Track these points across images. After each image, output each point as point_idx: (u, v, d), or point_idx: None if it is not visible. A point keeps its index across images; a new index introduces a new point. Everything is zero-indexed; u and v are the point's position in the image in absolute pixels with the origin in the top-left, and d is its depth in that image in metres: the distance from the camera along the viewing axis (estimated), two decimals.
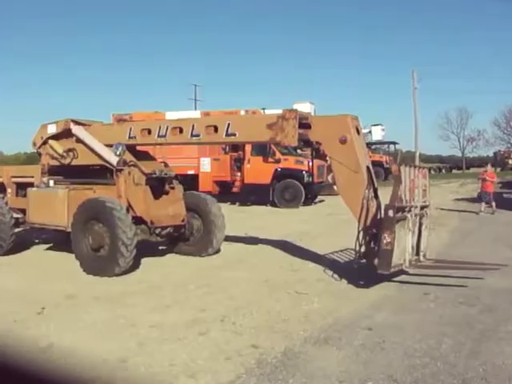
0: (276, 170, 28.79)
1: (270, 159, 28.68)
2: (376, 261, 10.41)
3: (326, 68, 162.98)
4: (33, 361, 6.76)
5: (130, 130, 13.39)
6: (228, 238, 14.78)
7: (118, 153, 12.78)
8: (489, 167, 27.60)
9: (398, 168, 10.74)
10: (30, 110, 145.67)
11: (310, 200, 29.62)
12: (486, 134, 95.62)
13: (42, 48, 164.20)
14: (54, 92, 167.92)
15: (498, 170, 64.74)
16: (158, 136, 13.01)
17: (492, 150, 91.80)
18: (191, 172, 27.68)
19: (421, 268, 11.40)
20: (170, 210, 13.51)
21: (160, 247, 14.51)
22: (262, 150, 28.38)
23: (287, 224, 21.09)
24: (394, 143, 59.68)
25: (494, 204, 24.78)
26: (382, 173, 50.39)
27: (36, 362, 6.70)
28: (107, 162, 13.13)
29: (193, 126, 12.64)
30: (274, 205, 28.52)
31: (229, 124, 12.21)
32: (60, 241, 15.00)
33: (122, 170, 12.86)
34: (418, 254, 11.54)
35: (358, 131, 11.38)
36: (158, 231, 13.23)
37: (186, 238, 14.13)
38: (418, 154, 71.26)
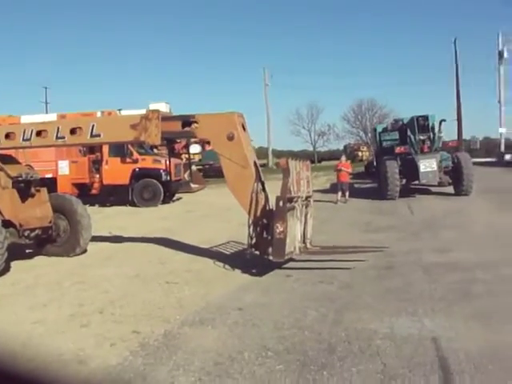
0: (134, 169, 28.98)
1: (128, 159, 28.81)
2: (270, 250, 11.02)
3: (179, 66, 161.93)
4: None
5: None
6: (93, 239, 14.99)
7: None
8: (343, 158, 29.30)
9: (286, 161, 11.36)
10: None
11: (168, 198, 29.98)
12: (336, 129, 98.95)
13: None
14: None
15: (349, 162, 67.46)
16: (23, 140, 13.15)
17: (342, 143, 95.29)
18: (49, 175, 27.34)
19: (309, 254, 12.13)
20: (38, 212, 13.67)
21: (27, 250, 14.54)
22: (120, 150, 28.48)
23: (148, 222, 21.54)
24: None
25: (347, 193, 26.40)
26: None
27: None
28: None
29: (58, 128, 12.90)
30: (133, 204, 28.69)
31: (93, 125, 12.61)
32: None
33: None
34: (304, 241, 12.30)
35: (243, 128, 11.99)
36: (26, 233, 13.35)
37: (53, 240, 14.30)
38: (270, 150, 73.17)
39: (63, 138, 12.92)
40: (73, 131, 12.86)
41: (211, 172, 48.98)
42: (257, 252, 11.61)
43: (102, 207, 28.30)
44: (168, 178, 29.13)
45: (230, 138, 11.58)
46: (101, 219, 19.36)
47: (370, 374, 6.04)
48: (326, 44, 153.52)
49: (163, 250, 14.68)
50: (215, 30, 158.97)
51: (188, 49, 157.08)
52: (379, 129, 32.14)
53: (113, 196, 29.60)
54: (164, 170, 29.09)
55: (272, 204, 11.38)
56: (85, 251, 14.59)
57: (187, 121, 12.27)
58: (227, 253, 13.82)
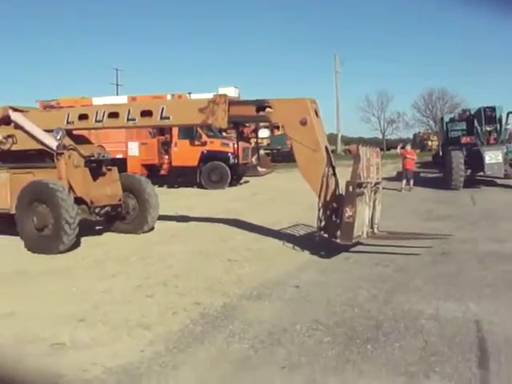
0: (202, 152, 29.45)
1: (197, 142, 29.36)
2: (338, 233, 11.33)
3: (249, 52, 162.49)
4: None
5: (68, 115, 14.10)
6: (160, 217, 15.55)
7: (58, 137, 13.47)
8: (408, 146, 29.31)
9: (357, 148, 11.67)
10: None
11: (235, 181, 30.36)
12: (405, 117, 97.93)
13: None
14: None
15: (418, 151, 66.88)
16: (96, 121, 13.79)
17: (411, 131, 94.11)
18: (119, 156, 27.97)
19: (375, 239, 12.38)
20: (108, 190, 14.33)
21: (97, 227, 15.21)
22: (189, 133, 29.02)
23: (215, 203, 22.03)
24: None
25: (411, 181, 26.45)
26: None
27: (1, 326, 7.53)
28: (47, 146, 13.77)
29: (129, 110, 13.52)
30: (201, 186, 29.22)
31: (163, 108, 13.13)
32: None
33: (62, 153, 13.53)
34: (371, 226, 12.50)
35: (316, 114, 12.26)
36: (97, 210, 13.99)
37: (122, 217, 14.95)
38: (339, 137, 72.96)
39: (134, 119, 13.50)
40: (143, 113, 13.41)
41: (279, 157, 49.19)
42: (325, 235, 11.90)
43: (170, 188, 29.00)
44: (236, 161, 29.38)
45: (303, 122, 11.82)
46: (168, 200, 19.87)
47: (412, 349, 6.36)
48: (397, 32, 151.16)
49: (227, 230, 15.17)
50: (288, 17, 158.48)
51: (259, 35, 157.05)
52: (446, 118, 31.83)
53: (181, 177, 30.16)
54: (232, 153, 29.42)
55: (342, 189, 11.64)
56: (152, 229, 15.16)
57: (261, 105, 12.59)
58: (296, 234, 14.12)
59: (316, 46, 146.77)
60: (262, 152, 39.36)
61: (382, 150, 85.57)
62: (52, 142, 13.64)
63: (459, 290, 8.81)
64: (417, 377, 5.60)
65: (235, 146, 29.31)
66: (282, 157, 49.00)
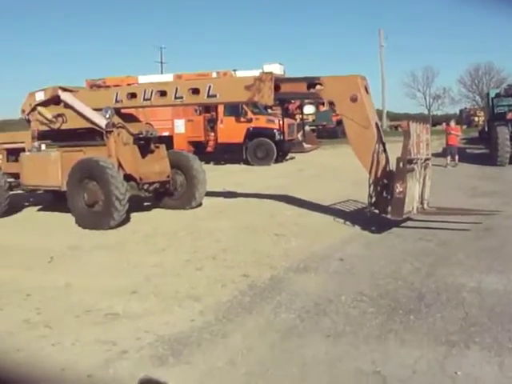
0: (248, 129, 29.67)
1: (242, 119, 29.57)
2: (389, 209, 11.46)
3: (294, 28, 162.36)
4: (55, 297, 7.92)
5: (117, 94, 14.43)
6: (207, 194, 15.83)
7: (107, 116, 13.79)
8: (452, 122, 29.04)
9: (407, 124, 11.77)
10: None
11: (281, 157, 30.53)
12: (451, 92, 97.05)
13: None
14: (24, 61, 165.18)
15: (464, 127, 66.22)
16: (144, 99, 14.05)
17: (457, 107, 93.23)
18: (166, 133, 28.25)
19: (425, 214, 12.43)
20: (156, 167, 14.64)
21: (146, 203, 15.58)
22: (235, 110, 29.26)
23: (261, 180, 22.24)
24: None
25: (456, 157, 26.31)
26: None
27: (58, 299, 7.85)
28: (97, 124, 14.09)
29: (176, 88, 13.74)
30: (247, 163, 29.51)
31: (210, 86, 13.34)
32: (49, 202, 16.29)
33: (111, 131, 13.86)
34: (421, 202, 12.55)
35: (366, 90, 12.35)
36: (146, 187, 14.34)
37: (170, 193, 15.27)
38: (385, 112, 72.44)
39: (181, 97, 13.74)
40: (191, 92, 13.64)
41: (324, 133, 49.21)
42: (376, 210, 12.01)
43: (217, 165, 29.25)
44: (281, 137, 29.67)
45: (354, 99, 11.88)
46: (215, 176, 20.08)
47: (453, 319, 6.52)
48: (442, 6, 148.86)
49: (274, 205, 15.37)
50: None
51: (302, 12, 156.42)
52: (492, 94, 31.43)
53: (227, 154, 30.40)
54: (277, 130, 29.62)
55: (392, 165, 11.75)
56: (200, 205, 15.45)
57: (312, 82, 12.68)
58: (346, 210, 14.24)
59: (361, 21, 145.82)
60: (307, 128, 39.30)
61: None
62: (101, 121, 13.95)
63: (501, 264, 8.90)
64: (457, 346, 5.75)
65: (280, 122, 29.52)
66: (327, 133, 49.02)
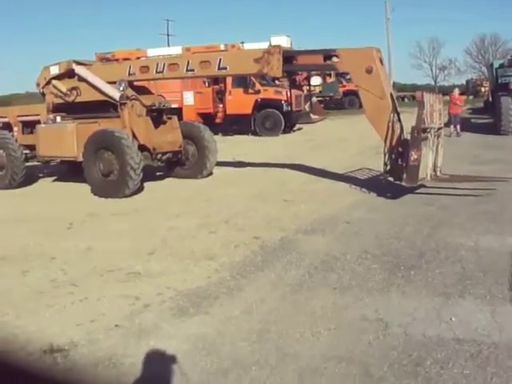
0: (256, 100, 30.06)
1: (251, 90, 29.93)
2: (404, 176, 11.87)
3: (300, 1, 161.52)
4: (79, 259, 8.44)
5: (130, 67, 14.86)
6: (218, 164, 16.36)
7: (121, 88, 14.27)
8: (456, 91, 29.21)
9: (421, 94, 12.07)
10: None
11: (289, 128, 30.89)
12: (457, 63, 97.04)
13: None
14: (32, 35, 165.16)
15: (471, 97, 66.26)
16: (156, 72, 14.50)
17: (464, 78, 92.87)
18: (175, 105, 28.52)
19: (438, 181, 12.86)
20: (169, 137, 15.14)
21: (158, 173, 16.12)
22: (243, 81, 29.52)
23: (270, 150, 22.71)
24: None
25: (458, 127, 26.62)
26: (357, 101, 51.79)
27: (81, 262, 8.37)
28: (110, 97, 14.57)
29: (188, 61, 14.19)
30: (255, 134, 29.95)
31: (220, 59, 13.78)
32: (62, 173, 16.83)
33: (125, 103, 14.35)
34: (434, 169, 12.97)
35: (381, 62, 12.77)
36: (159, 157, 14.88)
37: (182, 163, 15.78)
38: (392, 83, 72.35)
39: (193, 70, 14.20)
40: (202, 64, 14.08)
41: (331, 104, 49.52)
42: (391, 178, 12.44)
43: (226, 136, 29.52)
44: (289, 108, 30.06)
45: (369, 71, 12.27)
46: (224, 147, 20.37)
47: (450, 274, 7.07)
48: None
49: (283, 174, 15.91)
50: None
51: None
52: (496, 64, 31.53)
53: (235, 125, 30.76)
54: (285, 101, 29.98)
55: (406, 134, 12.12)
56: (211, 174, 15.98)
57: (328, 55, 13.11)
58: (359, 178, 14.68)
59: None
60: (314, 99, 39.59)
61: None
62: (115, 93, 14.42)
63: (499, 226, 9.42)
64: (453, 297, 6.29)
65: (288, 93, 29.84)
66: (334, 104, 49.31)
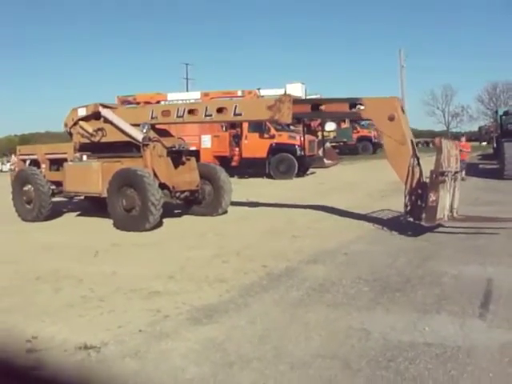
0: (271, 144, 31.16)
1: (266, 135, 31.06)
2: (423, 216, 12.68)
3: (316, 49, 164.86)
4: (105, 281, 9.50)
5: (152, 111, 16.11)
6: (232, 203, 17.42)
7: (144, 130, 15.48)
8: (463, 139, 30.26)
9: (439, 140, 12.93)
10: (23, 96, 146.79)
11: (302, 172, 31.80)
12: (469, 110, 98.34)
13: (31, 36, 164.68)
14: (52, 79, 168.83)
15: (484, 143, 67.29)
16: (177, 116, 15.71)
17: (476, 124, 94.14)
18: (193, 148, 29.39)
19: (455, 221, 13.73)
20: (187, 177, 16.31)
21: (176, 211, 17.17)
22: (258, 126, 30.63)
23: (282, 191, 23.71)
24: None
25: (463, 172, 27.60)
26: (370, 147, 52.98)
27: (107, 283, 9.42)
28: (134, 138, 15.79)
29: (206, 107, 15.42)
30: (269, 177, 30.91)
31: (236, 106, 15.03)
32: (85, 208, 18.08)
33: (147, 144, 15.56)
34: (451, 210, 13.82)
35: (402, 110, 13.78)
36: (177, 195, 16.04)
37: (199, 201, 16.88)
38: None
39: (211, 115, 15.37)
40: (219, 110, 15.26)
41: (345, 149, 50.61)
42: (411, 218, 13.29)
43: (241, 178, 30.54)
44: (302, 153, 31.17)
45: (391, 118, 13.25)
46: (239, 189, 21.23)
47: (430, 295, 8.13)
48: (461, 27, 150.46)
49: (293, 212, 16.98)
50: (353, 13, 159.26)
51: (324, 32, 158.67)
52: (500, 112, 32.65)
53: (251, 168, 31.78)
54: (299, 146, 31.11)
55: (425, 177, 12.97)
56: (225, 212, 17.03)
57: (354, 103, 14.10)
58: (384, 218, 15.51)
59: (381, 43, 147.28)
60: (327, 144, 40.62)
61: None
62: (138, 135, 15.64)
63: (483, 258, 10.47)
64: (430, 313, 7.35)
65: (302, 138, 30.92)
66: (348, 149, 50.41)
